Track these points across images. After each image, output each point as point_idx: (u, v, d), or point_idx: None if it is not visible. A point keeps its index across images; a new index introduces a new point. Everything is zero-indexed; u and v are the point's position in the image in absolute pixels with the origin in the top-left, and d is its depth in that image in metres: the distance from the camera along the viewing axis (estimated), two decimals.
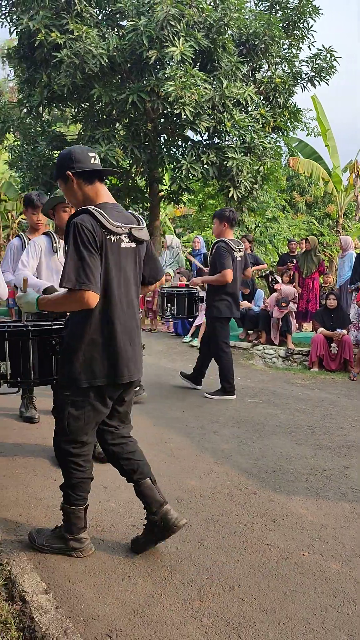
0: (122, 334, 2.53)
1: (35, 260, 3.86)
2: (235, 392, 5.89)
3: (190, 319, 8.22)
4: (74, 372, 2.51)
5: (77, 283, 2.36)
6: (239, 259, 5.72)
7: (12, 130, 12.11)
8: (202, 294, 6.14)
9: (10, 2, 10.44)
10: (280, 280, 9.38)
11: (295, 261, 10.20)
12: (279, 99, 11.53)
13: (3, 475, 3.65)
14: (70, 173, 2.51)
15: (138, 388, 5.59)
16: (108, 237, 2.44)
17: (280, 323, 8.35)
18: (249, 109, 11.02)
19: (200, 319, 9.10)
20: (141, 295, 2.86)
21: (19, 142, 12.13)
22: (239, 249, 5.72)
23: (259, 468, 3.89)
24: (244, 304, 8.63)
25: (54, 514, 3.10)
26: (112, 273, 2.48)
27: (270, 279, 10.28)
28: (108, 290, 2.48)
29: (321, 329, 7.66)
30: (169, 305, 5.87)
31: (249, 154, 10.59)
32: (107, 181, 12.82)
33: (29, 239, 4.91)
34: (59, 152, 12.10)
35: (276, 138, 12.63)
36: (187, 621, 2.24)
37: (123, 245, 2.52)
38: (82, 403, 2.55)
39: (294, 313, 8.96)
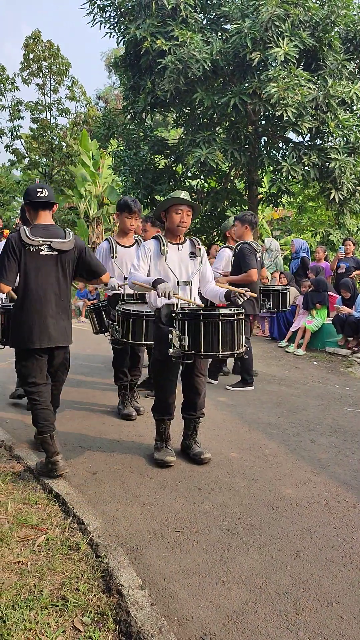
0: (37, 315, 3.59)
1: (146, 263, 3.92)
2: (334, 400, 5.73)
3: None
4: (14, 338, 3.71)
5: None
6: (259, 259, 6.19)
7: (116, 136, 12.53)
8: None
9: (119, 12, 10.80)
10: None
11: None
12: None
13: (102, 470, 3.77)
14: (24, 203, 3.78)
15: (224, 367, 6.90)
16: (27, 248, 3.55)
17: None
18: (355, 107, 10.64)
19: (297, 324, 8.91)
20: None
21: (122, 148, 12.52)
22: (259, 250, 6.24)
23: (358, 480, 3.73)
24: (344, 309, 8.33)
25: (149, 512, 3.16)
26: (29, 271, 3.57)
27: None
28: (26, 284, 3.59)
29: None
30: (265, 299, 6.58)
31: (353, 155, 10.22)
32: (207, 184, 12.98)
33: (118, 243, 5.06)
34: (160, 156, 12.42)
35: None
36: (283, 633, 2.18)
37: (42, 253, 3.59)
38: (24, 357, 3.67)
39: None
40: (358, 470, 3.91)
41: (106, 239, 5.16)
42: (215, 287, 4.12)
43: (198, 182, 13.05)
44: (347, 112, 10.48)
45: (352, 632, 2.19)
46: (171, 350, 3.57)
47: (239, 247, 6.12)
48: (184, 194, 3.87)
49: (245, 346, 3.77)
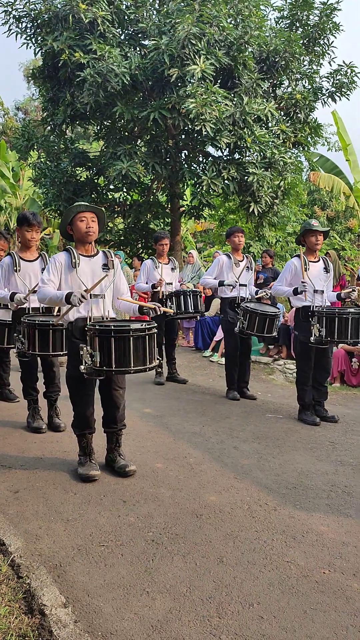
0: None
1: (57, 277, 3.84)
2: (256, 407, 5.91)
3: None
4: None
5: None
6: None
7: (36, 147, 12.36)
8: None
9: (36, 23, 10.69)
10: None
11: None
12: (299, 115, 11.57)
13: (24, 488, 3.68)
14: None
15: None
16: None
17: None
18: (270, 124, 11.06)
19: (221, 333, 9.09)
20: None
21: (42, 159, 12.36)
22: None
23: (279, 484, 3.85)
24: None
25: (73, 528, 3.12)
26: None
27: None
28: None
29: (342, 344, 7.59)
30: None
31: (269, 169, 10.61)
32: (129, 197, 13.02)
33: (21, 257, 5.01)
34: (81, 168, 12.35)
35: (297, 153, 12.64)
36: (206, 638, 2.22)
37: None
38: None
39: None
40: (279, 474, 4.04)
41: (8, 254, 5.09)
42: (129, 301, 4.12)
43: (120, 195, 13.09)
44: (263, 128, 10.88)
45: (272, 631, 2.26)
46: (82, 367, 3.55)
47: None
48: (83, 203, 3.89)
49: (159, 359, 3.77)
